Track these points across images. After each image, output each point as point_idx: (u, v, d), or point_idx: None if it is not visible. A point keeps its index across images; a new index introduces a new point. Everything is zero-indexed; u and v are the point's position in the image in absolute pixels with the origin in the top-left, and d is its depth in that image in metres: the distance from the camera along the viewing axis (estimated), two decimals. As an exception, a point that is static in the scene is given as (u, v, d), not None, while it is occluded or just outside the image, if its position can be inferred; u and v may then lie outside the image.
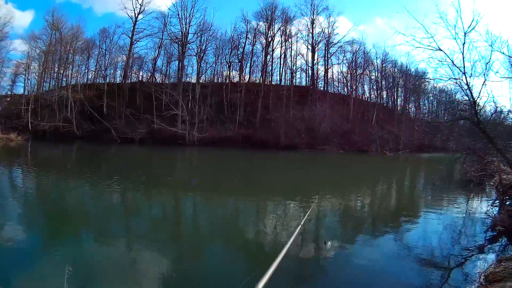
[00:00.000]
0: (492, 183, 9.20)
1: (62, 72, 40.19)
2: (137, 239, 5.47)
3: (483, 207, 8.20)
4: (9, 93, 39.31)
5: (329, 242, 5.22)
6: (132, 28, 37.13)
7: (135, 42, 36.78)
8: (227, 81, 33.54)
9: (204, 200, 9.41)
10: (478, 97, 7.53)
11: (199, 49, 33.40)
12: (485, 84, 7.45)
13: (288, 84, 34.55)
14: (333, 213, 8.24)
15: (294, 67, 35.37)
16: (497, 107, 8.19)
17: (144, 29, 36.71)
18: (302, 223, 4.39)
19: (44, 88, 39.35)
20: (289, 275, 4.27)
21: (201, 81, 33.00)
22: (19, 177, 11.95)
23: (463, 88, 7.78)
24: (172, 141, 30.22)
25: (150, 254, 4.87)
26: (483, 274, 4.10)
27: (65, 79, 39.60)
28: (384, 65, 38.86)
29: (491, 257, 4.97)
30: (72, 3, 51.46)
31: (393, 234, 6.20)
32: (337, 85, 37.56)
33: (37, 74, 39.46)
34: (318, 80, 35.97)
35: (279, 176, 15.31)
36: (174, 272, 4.35)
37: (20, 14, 54.91)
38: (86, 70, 39.66)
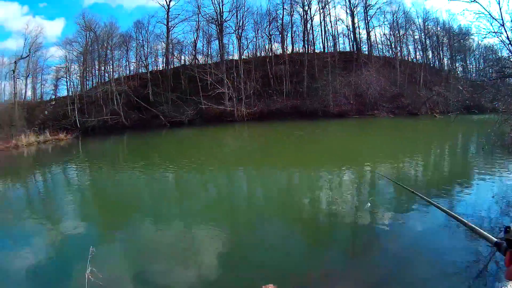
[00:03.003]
0: None
1: (103, 68, 41.75)
2: (195, 219, 5.61)
3: None
4: (53, 97, 41.34)
5: (369, 204, 5.28)
6: (166, 15, 37.78)
7: (172, 28, 37.31)
8: (270, 54, 33.35)
9: (259, 174, 9.36)
10: None
11: (237, 26, 33.39)
12: None
13: (331, 51, 33.81)
14: (383, 180, 8.11)
15: (336, 33, 34.52)
16: None
17: (179, 14, 37.13)
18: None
19: (87, 87, 41.04)
20: (343, 241, 4.38)
21: (243, 57, 33.04)
22: (77, 172, 12.16)
23: (504, 43, 7.36)
24: (220, 119, 30.69)
25: (210, 233, 4.91)
26: None
27: (107, 75, 41.14)
28: (426, 23, 36.91)
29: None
30: (100, 4, 53.01)
31: (444, 203, 5.96)
32: (381, 47, 36.23)
33: (78, 74, 41.12)
34: (361, 45, 34.89)
35: (333, 146, 15.27)
36: (231, 250, 4.35)
37: (51, 24, 57.27)
38: (127, 63, 41.04)
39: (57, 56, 51.30)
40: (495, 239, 0.67)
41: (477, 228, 0.76)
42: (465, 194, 6.54)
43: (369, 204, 5.36)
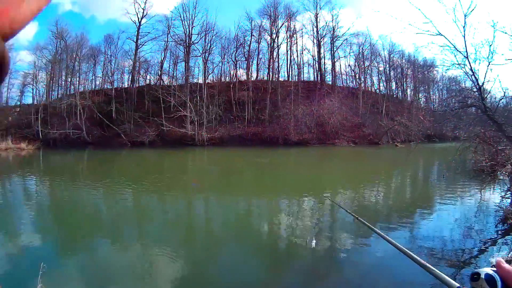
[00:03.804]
0: (504, 172, 8.69)
1: (69, 80, 40.68)
2: (152, 242, 5.51)
3: (495, 198, 7.92)
4: (18, 103, 40.02)
5: (314, 241, 5.28)
6: (136, 32, 37.40)
7: (140, 46, 36.95)
8: (234, 80, 33.40)
9: (216, 200, 9.30)
10: (483, 82, 7.27)
11: (204, 50, 33.37)
12: (491, 68, 7.14)
13: (295, 79, 34.24)
14: (344, 207, 8.22)
15: (301, 62, 35.11)
16: (505, 92, 7.78)
17: (149, 32, 36.89)
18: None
19: (52, 97, 39.82)
20: (302, 274, 4.35)
21: (208, 81, 32.94)
22: (34, 185, 11.85)
23: (468, 74, 7.55)
24: (181, 142, 30.23)
25: (167, 257, 4.85)
26: None
27: (72, 87, 40.07)
28: (391, 55, 38.28)
29: (503, 253, 4.79)
30: (74, 13, 51.96)
31: (405, 228, 6.04)
32: (345, 78, 37.12)
33: (44, 83, 39.98)
34: (326, 74, 35.58)
35: (291, 173, 15.17)
36: (188, 275, 4.29)
37: (23, 27, 55.18)
38: (93, 77, 40.10)
39: (26, 61, 49.66)
40: (457, 285, 0.58)
41: (433, 268, 0.61)
42: (425, 221, 6.54)
43: (314, 241, 5.31)
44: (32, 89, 40.15)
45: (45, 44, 39.29)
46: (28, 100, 39.68)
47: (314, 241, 5.30)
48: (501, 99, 7.97)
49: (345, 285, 4.10)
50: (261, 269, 4.58)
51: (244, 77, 33.86)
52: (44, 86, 40.05)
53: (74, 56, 39.83)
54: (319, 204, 8.32)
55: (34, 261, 3.70)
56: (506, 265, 0.50)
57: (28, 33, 59.08)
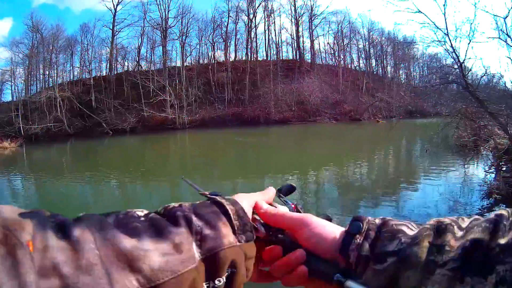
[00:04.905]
0: (487, 148, 8.74)
1: (47, 73, 39.87)
2: None
3: (479, 173, 7.99)
4: None
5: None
6: (112, 19, 36.70)
7: (117, 33, 36.26)
8: (213, 62, 33.18)
9: (202, 184, 9.40)
10: (464, 59, 7.26)
11: (181, 33, 32.99)
12: (472, 46, 7.32)
13: (274, 58, 34.19)
14: (329, 184, 8.20)
15: (279, 41, 35.03)
16: (486, 70, 7.90)
17: (125, 19, 36.20)
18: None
19: (31, 92, 39.04)
20: None
21: (186, 64, 32.66)
22: (20, 183, 11.69)
23: (448, 51, 7.55)
24: (162, 126, 30.07)
25: None
26: None
27: (51, 80, 39.33)
28: (371, 33, 38.46)
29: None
30: (49, 5, 50.76)
31: (389, 204, 6.09)
32: (324, 56, 37.20)
33: (23, 78, 39.25)
34: (305, 53, 35.61)
35: (273, 153, 15.23)
36: None
37: (-2, 23, 53.84)
38: (71, 68, 39.37)
39: (2, 58, 48.58)
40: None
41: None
42: (410, 197, 6.62)
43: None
44: (11, 86, 39.45)
45: (21, 39, 38.51)
46: (7, 97, 38.98)
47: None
48: (482, 76, 8.10)
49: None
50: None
51: (222, 58, 33.71)
52: (22, 81, 39.38)
53: (51, 48, 39.02)
54: (303, 180, 8.42)
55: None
56: (263, 206, 0.41)
57: (3, 29, 57.51)
